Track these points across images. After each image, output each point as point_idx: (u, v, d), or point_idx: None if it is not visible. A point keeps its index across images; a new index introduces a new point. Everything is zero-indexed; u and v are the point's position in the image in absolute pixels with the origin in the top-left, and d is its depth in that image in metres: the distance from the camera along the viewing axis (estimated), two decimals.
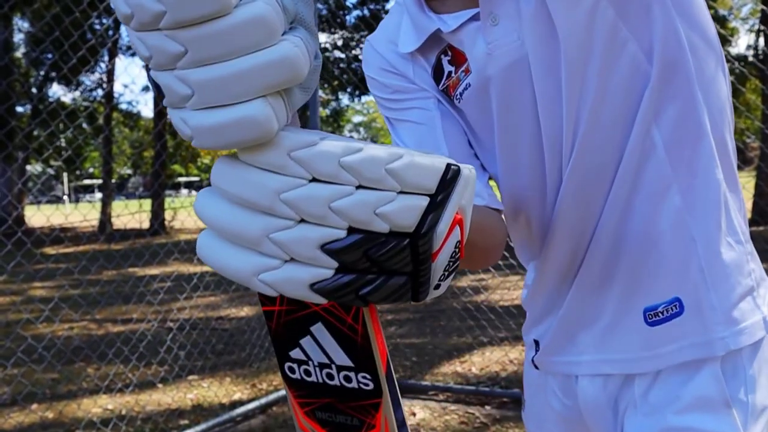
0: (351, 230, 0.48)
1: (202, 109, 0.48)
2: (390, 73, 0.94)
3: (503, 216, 0.91)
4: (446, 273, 0.53)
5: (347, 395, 0.56)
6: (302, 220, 0.48)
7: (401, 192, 0.47)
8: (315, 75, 0.52)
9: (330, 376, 0.56)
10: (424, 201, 0.48)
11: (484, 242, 0.83)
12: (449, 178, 0.49)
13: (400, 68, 0.93)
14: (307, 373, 0.57)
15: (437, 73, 0.91)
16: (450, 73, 0.89)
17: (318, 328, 0.55)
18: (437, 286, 0.52)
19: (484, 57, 0.85)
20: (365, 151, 0.47)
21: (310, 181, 0.48)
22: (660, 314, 0.85)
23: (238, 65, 0.46)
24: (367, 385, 0.55)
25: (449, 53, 0.89)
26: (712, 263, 0.84)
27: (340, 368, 0.55)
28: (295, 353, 0.57)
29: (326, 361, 0.55)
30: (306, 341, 0.56)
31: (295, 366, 0.57)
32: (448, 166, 0.49)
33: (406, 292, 0.50)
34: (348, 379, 0.55)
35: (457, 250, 0.52)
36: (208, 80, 0.46)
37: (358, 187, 0.47)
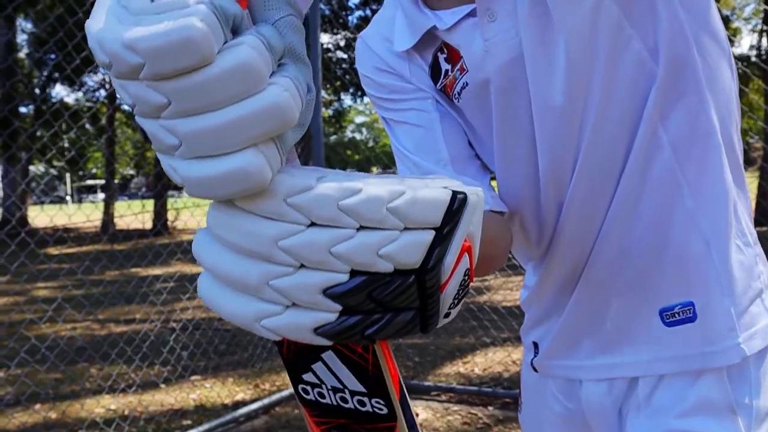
0: (353, 272, 0.46)
1: (191, 158, 0.45)
2: (385, 72, 0.91)
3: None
4: (456, 301, 0.51)
5: (362, 418, 0.55)
6: (302, 266, 0.46)
7: (405, 229, 0.45)
8: (309, 110, 0.49)
9: (344, 400, 0.55)
10: (430, 235, 0.46)
11: (489, 252, 0.80)
12: (455, 209, 0.47)
13: (396, 67, 0.90)
14: (321, 395, 0.56)
15: (435, 71, 0.88)
16: (447, 71, 0.86)
17: (329, 356, 0.54)
18: (447, 315, 0.51)
19: (481, 54, 0.82)
20: (365, 191, 0.45)
21: (309, 226, 0.46)
22: (677, 315, 0.83)
23: (225, 116, 0.43)
24: (381, 409, 0.54)
25: (445, 51, 0.86)
26: (724, 267, 0.83)
27: (353, 393, 0.54)
28: (308, 377, 0.55)
29: (339, 386, 0.54)
30: (318, 366, 0.54)
31: (308, 388, 0.56)
32: (454, 195, 0.46)
33: (415, 326, 0.48)
34: (362, 403, 0.54)
35: (466, 277, 0.51)
36: (195, 132, 0.44)
37: (359, 228, 0.45)
